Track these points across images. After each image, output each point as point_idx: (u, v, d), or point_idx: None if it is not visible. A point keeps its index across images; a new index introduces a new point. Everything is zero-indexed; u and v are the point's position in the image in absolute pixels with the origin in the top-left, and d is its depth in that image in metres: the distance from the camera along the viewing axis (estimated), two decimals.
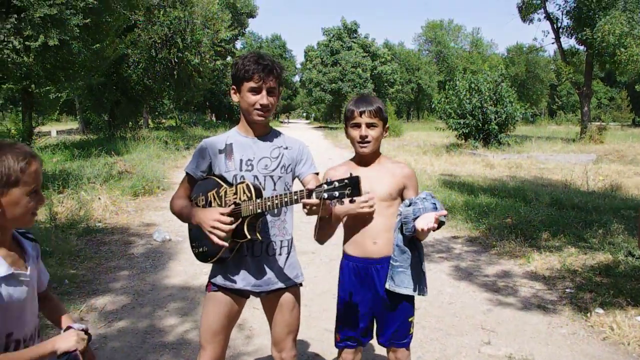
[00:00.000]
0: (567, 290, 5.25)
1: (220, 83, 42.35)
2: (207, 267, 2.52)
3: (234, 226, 2.22)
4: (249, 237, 2.25)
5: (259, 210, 2.18)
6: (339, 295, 2.70)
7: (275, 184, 2.46)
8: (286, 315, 2.54)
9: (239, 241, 2.30)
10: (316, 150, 21.61)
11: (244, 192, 2.25)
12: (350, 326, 2.65)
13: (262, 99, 2.38)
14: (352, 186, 1.93)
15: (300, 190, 2.05)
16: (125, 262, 6.12)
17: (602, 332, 4.26)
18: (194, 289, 5.26)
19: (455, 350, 3.98)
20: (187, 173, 2.53)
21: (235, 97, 2.47)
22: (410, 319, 2.64)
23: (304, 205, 2.04)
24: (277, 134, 2.58)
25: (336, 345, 2.72)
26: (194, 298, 5.00)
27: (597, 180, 12.53)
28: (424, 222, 2.31)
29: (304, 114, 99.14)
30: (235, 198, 2.28)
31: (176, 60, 22.67)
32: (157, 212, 8.95)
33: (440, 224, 2.39)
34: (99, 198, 8.94)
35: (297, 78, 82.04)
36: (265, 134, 2.53)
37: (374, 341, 2.75)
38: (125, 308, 4.75)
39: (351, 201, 1.99)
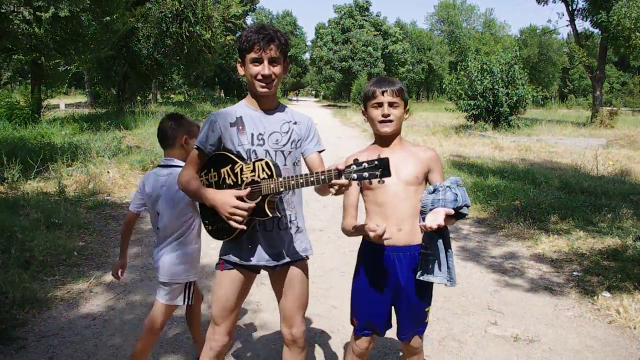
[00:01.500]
0: (575, 273, 5.25)
1: (229, 59, 42.11)
2: (215, 242, 2.50)
3: (253, 205, 2.19)
4: (270, 215, 2.22)
5: (281, 189, 2.15)
6: (355, 282, 2.65)
7: (285, 158, 2.42)
8: (296, 289, 2.52)
9: (258, 219, 2.27)
10: (325, 128, 21.55)
11: (263, 170, 2.21)
12: (367, 314, 2.59)
13: (264, 69, 2.31)
14: (382, 167, 1.92)
15: (328, 170, 2.00)
16: (133, 236, 6.14)
17: (609, 316, 4.26)
18: (202, 263, 5.28)
19: (462, 330, 4.00)
20: (197, 147, 2.42)
21: (241, 70, 2.43)
22: (427, 309, 2.61)
23: (331, 186, 2.00)
24: (284, 108, 2.53)
25: (354, 332, 2.67)
26: (202, 272, 5.03)
27: (606, 164, 12.43)
28: (432, 218, 2.24)
29: (313, 92, 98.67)
30: (254, 176, 2.23)
31: (187, 35, 22.50)
32: None
33: (459, 215, 2.32)
34: (108, 172, 8.97)
35: (307, 56, 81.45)
36: (274, 108, 2.48)
37: None
38: (134, 281, 4.80)
39: (380, 182, 1.95)
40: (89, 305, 4.25)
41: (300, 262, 2.55)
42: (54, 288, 4.50)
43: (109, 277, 4.82)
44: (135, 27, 20.54)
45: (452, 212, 2.27)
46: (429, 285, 2.51)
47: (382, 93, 2.46)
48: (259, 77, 2.33)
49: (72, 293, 4.46)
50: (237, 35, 36.02)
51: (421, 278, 2.43)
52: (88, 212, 6.91)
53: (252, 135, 2.39)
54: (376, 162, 1.93)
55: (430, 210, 2.30)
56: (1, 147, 9.12)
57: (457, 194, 2.29)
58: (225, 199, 2.20)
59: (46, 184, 8.10)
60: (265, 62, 2.32)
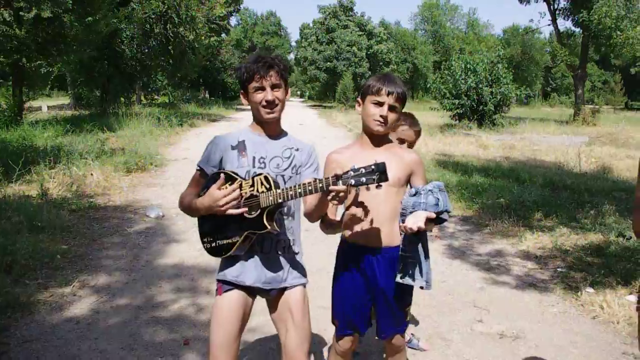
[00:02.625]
0: (559, 269, 5.30)
1: (214, 60, 41.90)
2: (201, 245, 2.47)
3: (236, 185, 2.20)
4: (268, 227, 2.19)
5: (280, 200, 2.14)
6: (335, 282, 2.64)
7: (285, 183, 2.39)
8: (297, 317, 2.43)
9: (257, 232, 2.24)
10: (310, 129, 21.55)
11: (262, 184, 2.21)
12: (347, 315, 2.58)
13: (267, 95, 2.34)
14: (380, 172, 1.92)
15: (326, 178, 2.00)
16: (118, 239, 6.10)
17: (593, 311, 4.30)
18: (188, 266, 5.25)
19: (448, 328, 4.02)
20: (199, 167, 2.45)
21: (244, 101, 2.45)
22: (407, 308, 2.61)
23: (329, 192, 2.00)
24: (287, 135, 2.55)
25: (336, 333, 2.67)
26: (187, 275, 5.00)
27: (589, 162, 12.59)
28: (412, 221, 2.22)
29: (298, 93, 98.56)
30: (252, 190, 2.22)
31: (171, 36, 22.36)
32: (151, 189, 8.91)
33: (439, 221, 2.31)
34: (92, 174, 8.89)
35: (292, 56, 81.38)
36: (277, 134, 2.50)
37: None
38: (118, 284, 4.75)
39: (378, 187, 1.96)
40: (72, 309, 4.20)
41: (298, 288, 2.48)
42: (36, 292, 4.43)
43: (93, 281, 4.78)
44: (119, 28, 20.35)
45: (434, 215, 2.25)
46: (408, 285, 2.48)
47: (387, 94, 2.41)
48: (264, 103, 2.35)
49: (56, 297, 4.40)
50: (222, 36, 35.93)
51: (401, 281, 2.41)
52: (71, 214, 6.82)
53: (254, 158, 2.40)
54: (373, 167, 1.93)
55: (411, 212, 2.28)
56: None
57: (438, 199, 2.28)
58: (211, 197, 2.22)
59: (28, 186, 7.99)
60: (268, 89, 2.34)
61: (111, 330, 3.85)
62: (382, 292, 2.51)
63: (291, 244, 2.47)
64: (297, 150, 2.50)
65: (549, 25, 34.43)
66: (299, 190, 2.08)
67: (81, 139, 12.49)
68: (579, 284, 4.83)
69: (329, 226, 2.51)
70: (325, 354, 3.57)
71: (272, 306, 2.52)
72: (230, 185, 2.26)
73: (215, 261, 2.48)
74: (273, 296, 2.47)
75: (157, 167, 10.92)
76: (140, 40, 22.26)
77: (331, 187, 1.98)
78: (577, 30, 32.79)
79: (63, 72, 25.00)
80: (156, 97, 39.23)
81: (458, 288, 4.85)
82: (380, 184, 1.95)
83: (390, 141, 2.60)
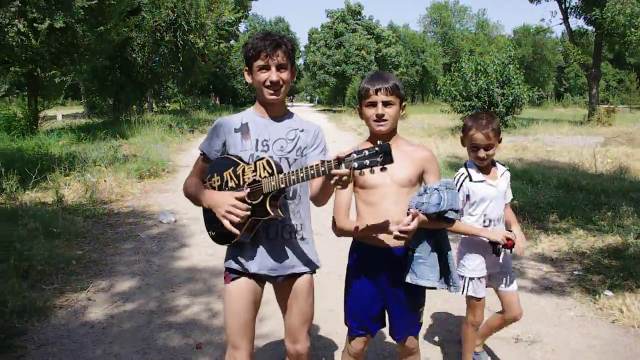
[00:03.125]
0: (576, 272, 5.22)
1: (224, 66, 42.11)
2: (213, 249, 2.48)
3: (248, 212, 2.15)
4: (271, 214, 2.15)
5: (282, 185, 2.09)
6: (347, 283, 2.62)
7: (290, 166, 2.36)
8: (301, 303, 2.46)
9: (260, 219, 2.21)
10: None
11: (264, 169, 2.16)
12: (359, 315, 2.56)
13: (272, 75, 2.28)
14: (384, 153, 1.84)
15: (328, 161, 1.92)
16: (131, 244, 6.12)
17: (611, 315, 4.23)
18: (200, 270, 5.25)
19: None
20: (201, 152, 2.43)
21: (248, 79, 2.40)
22: (420, 309, 2.58)
23: (332, 177, 1.91)
24: (293, 115, 2.50)
25: (349, 333, 2.65)
26: (200, 279, 5.00)
27: (605, 162, 12.42)
28: (400, 224, 2.20)
29: (308, 97, 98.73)
30: (255, 175, 2.18)
31: (181, 43, 22.55)
32: (163, 195, 8.95)
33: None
34: (105, 180, 8.96)
35: (301, 61, 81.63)
36: (281, 115, 2.45)
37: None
38: (132, 289, 4.76)
39: (382, 169, 1.86)
40: (87, 313, 4.22)
41: (306, 275, 2.47)
42: (52, 297, 4.47)
43: (107, 285, 4.80)
44: (130, 36, 20.54)
45: (425, 218, 2.23)
46: (421, 286, 2.45)
47: (376, 92, 2.38)
48: (267, 83, 2.30)
49: (71, 301, 4.43)
50: (231, 42, 36.11)
51: (408, 281, 2.39)
52: (86, 220, 6.88)
53: (257, 140, 2.37)
54: (377, 149, 1.85)
55: None
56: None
57: (442, 197, 2.23)
58: (224, 199, 2.18)
59: (44, 193, 8.08)
60: (273, 69, 2.29)
61: (125, 334, 3.86)
62: (394, 292, 2.50)
63: (298, 228, 2.43)
64: (302, 131, 2.45)
65: (560, 24, 34.21)
66: (301, 175, 2.02)
67: (95, 146, 12.62)
68: (597, 287, 4.76)
69: (346, 234, 2.49)
70: (337, 357, 3.54)
71: (279, 292, 2.53)
72: (238, 168, 2.25)
73: None
74: (280, 282, 2.45)
75: (169, 173, 10.98)
76: (151, 48, 22.47)
77: (333, 171, 1.90)
78: (590, 28, 32.47)
79: (76, 82, 25.27)
80: (167, 104, 39.48)
81: None
82: (385, 166, 1.86)
83: (400, 138, 2.55)
